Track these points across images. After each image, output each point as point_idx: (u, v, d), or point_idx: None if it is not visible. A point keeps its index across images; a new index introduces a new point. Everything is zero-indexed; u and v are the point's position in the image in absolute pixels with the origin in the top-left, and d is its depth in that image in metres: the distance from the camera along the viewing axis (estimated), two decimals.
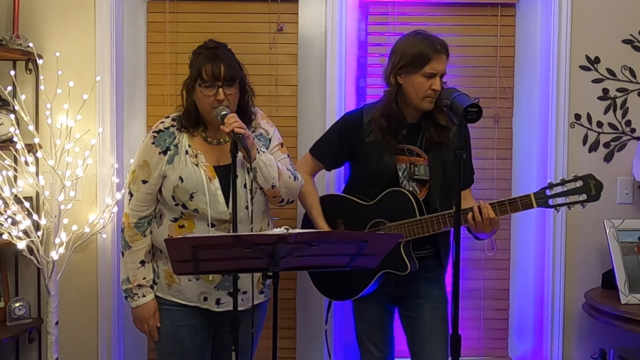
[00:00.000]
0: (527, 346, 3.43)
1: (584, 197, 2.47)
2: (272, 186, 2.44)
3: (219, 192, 2.43)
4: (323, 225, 2.69)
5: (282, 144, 2.60)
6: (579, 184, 2.47)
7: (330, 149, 2.75)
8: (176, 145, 2.47)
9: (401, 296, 2.70)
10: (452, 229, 2.58)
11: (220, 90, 2.37)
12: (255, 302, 2.45)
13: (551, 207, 2.49)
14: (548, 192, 2.47)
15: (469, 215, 2.48)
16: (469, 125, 2.23)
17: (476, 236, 2.61)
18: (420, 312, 2.65)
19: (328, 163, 2.81)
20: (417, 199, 2.58)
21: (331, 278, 2.67)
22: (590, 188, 2.47)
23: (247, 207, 2.44)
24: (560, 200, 2.48)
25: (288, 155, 2.60)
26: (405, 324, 2.74)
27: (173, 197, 2.45)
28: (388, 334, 2.77)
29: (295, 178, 2.53)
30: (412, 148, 2.62)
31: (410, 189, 2.61)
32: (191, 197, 2.42)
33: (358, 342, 2.81)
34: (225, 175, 2.43)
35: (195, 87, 2.40)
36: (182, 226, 2.47)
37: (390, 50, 2.63)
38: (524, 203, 2.48)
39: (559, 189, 2.48)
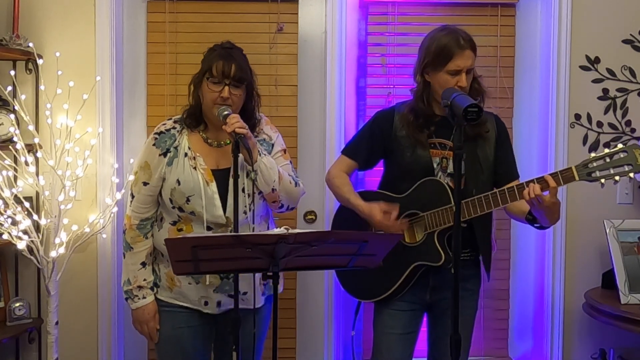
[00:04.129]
0: (527, 346, 3.43)
1: (629, 167, 2.28)
2: (272, 190, 2.43)
3: (216, 195, 2.43)
4: (366, 206, 2.55)
5: (284, 150, 2.59)
6: (623, 155, 2.29)
7: (362, 146, 2.67)
8: (176, 148, 2.47)
9: (433, 303, 2.62)
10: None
11: (226, 88, 2.39)
12: (255, 305, 2.43)
13: (594, 180, 2.31)
14: (590, 165, 2.31)
15: (525, 191, 2.34)
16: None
17: (540, 223, 2.45)
18: (448, 321, 2.31)
19: (361, 160, 2.69)
20: (452, 188, 2.46)
21: (360, 274, 2.51)
22: (636, 157, 2.28)
23: (245, 212, 2.44)
24: (603, 172, 2.31)
25: (290, 162, 2.60)
26: (431, 328, 2.68)
27: (171, 200, 2.46)
28: (409, 355, 2.63)
29: (296, 184, 2.52)
30: (445, 142, 2.55)
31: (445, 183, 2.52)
32: (187, 200, 2.43)
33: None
34: (224, 179, 2.44)
35: (203, 81, 2.42)
36: (180, 230, 2.47)
37: (419, 47, 2.58)
38: (565, 176, 2.33)
39: (601, 162, 2.31)
